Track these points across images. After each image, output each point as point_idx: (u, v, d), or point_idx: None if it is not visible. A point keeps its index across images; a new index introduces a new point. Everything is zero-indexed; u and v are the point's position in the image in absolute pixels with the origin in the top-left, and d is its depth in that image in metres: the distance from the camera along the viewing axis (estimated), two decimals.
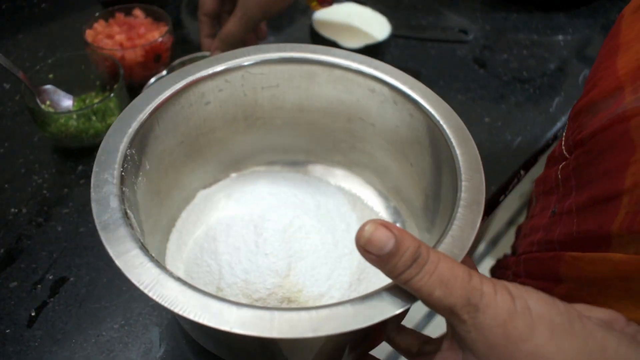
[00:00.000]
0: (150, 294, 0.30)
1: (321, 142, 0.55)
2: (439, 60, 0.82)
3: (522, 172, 0.65)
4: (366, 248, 0.28)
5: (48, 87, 0.63)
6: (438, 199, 0.43)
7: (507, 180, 0.63)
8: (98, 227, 0.33)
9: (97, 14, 0.72)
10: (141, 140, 0.42)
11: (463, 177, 0.37)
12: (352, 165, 0.56)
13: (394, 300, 0.30)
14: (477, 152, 0.39)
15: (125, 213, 0.34)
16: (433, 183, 0.44)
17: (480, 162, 0.38)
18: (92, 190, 0.35)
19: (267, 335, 0.28)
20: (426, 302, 0.28)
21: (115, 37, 0.69)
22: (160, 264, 0.32)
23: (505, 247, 1.60)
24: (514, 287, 0.27)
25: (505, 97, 0.75)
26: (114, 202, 0.35)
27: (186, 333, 0.48)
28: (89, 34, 0.70)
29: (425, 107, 0.43)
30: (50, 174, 0.61)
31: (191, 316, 0.29)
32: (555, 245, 0.45)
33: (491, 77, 0.79)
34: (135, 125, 0.41)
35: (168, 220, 0.49)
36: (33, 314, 0.49)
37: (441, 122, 0.42)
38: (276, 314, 0.29)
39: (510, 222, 1.72)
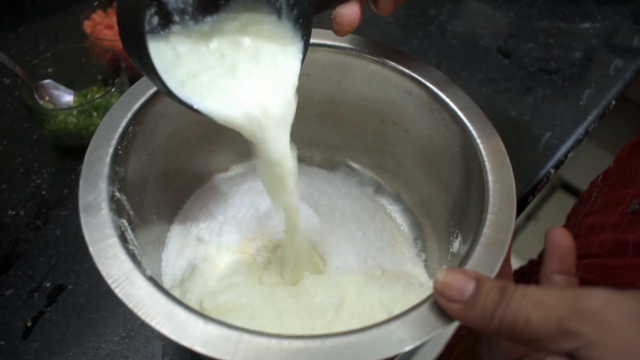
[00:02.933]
0: (115, 290, 0.28)
1: (350, 141, 0.52)
2: (460, 50, 0.77)
3: (552, 170, 0.61)
4: (445, 293, 0.26)
5: (47, 82, 0.60)
6: (463, 223, 0.39)
7: (537, 181, 0.59)
8: (80, 208, 0.31)
9: (95, 4, 0.68)
10: (148, 117, 0.39)
11: (490, 209, 0.33)
12: (379, 169, 0.52)
13: (383, 344, 0.26)
14: (513, 182, 0.34)
15: (113, 196, 0.32)
16: (460, 206, 0.40)
17: (515, 195, 0.34)
18: (83, 166, 0.33)
19: (210, 354, 0.25)
20: (528, 336, 0.23)
21: (115, 27, 0.65)
22: (135, 259, 0.29)
23: (523, 242, 1.55)
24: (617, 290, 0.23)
25: (532, 89, 0.71)
26: (103, 183, 0.32)
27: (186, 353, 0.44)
28: (87, 25, 0.66)
29: (463, 121, 0.39)
30: (49, 174, 0.58)
31: (153, 323, 0.26)
32: (629, 247, 0.40)
33: (516, 68, 0.74)
34: (142, 100, 0.38)
35: (175, 202, 0.47)
36: (29, 324, 0.46)
37: (478, 140, 0.37)
38: (245, 337, 0.26)
39: (529, 216, 1.67)
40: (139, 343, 0.45)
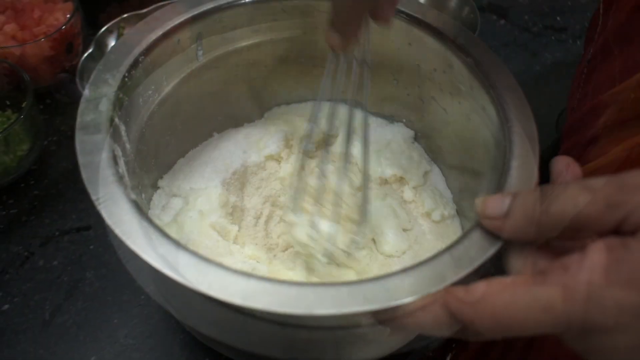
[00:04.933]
0: (99, 207, 0.29)
1: (385, 111, 0.51)
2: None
3: None
4: (486, 212, 0.28)
5: None
6: None
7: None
8: (77, 126, 0.32)
9: None
10: (163, 49, 0.40)
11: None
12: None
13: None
14: (535, 175, 0.33)
15: (112, 121, 0.34)
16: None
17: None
18: (87, 88, 0.35)
19: (176, 277, 0.26)
20: (578, 221, 0.24)
21: (4, 28, 0.54)
22: (124, 183, 0.31)
23: None
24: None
25: (537, 55, 0.64)
26: (104, 106, 0.34)
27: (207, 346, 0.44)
28: None
29: (498, 103, 0.37)
30: None
31: (128, 242, 0.28)
32: None
33: (516, 29, 0.67)
34: (160, 31, 0.39)
35: (176, 151, 0.47)
36: (47, 317, 0.45)
37: (510, 124, 0.36)
38: (212, 268, 0.28)
39: None
40: (159, 337, 0.44)
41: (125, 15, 0.59)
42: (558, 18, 0.66)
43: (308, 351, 0.36)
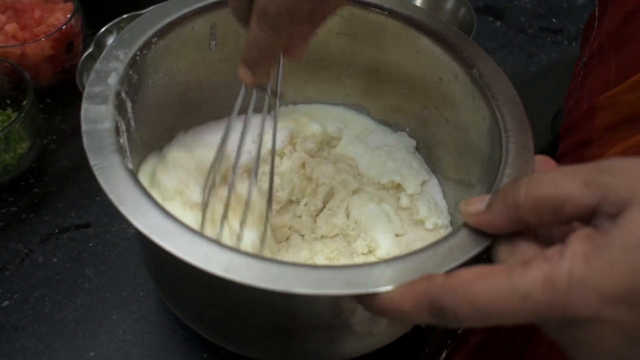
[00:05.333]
0: (97, 174, 0.30)
1: (390, 119, 0.51)
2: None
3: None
4: (469, 210, 0.29)
5: None
6: None
7: None
8: (84, 95, 0.33)
9: None
10: (177, 35, 0.41)
11: None
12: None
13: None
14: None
15: (118, 94, 0.35)
16: None
17: None
18: (98, 61, 0.36)
19: (163, 244, 0.27)
20: (558, 199, 0.25)
21: (5, 28, 0.55)
22: (124, 153, 0.32)
23: None
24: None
25: (533, 57, 0.65)
26: (113, 80, 0.35)
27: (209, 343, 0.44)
28: None
29: (496, 114, 0.38)
30: None
31: (117, 204, 0.29)
32: None
33: (512, 31, 0.68)
34: (175, 16, 0.40)
35: (183, 126, 0.47)
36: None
37: (505, 134, 0.36)
38: (198, 238, 0.29)
39: None
40: (158, 333, 0.45)
41: (125, 16, 0.60)
42: (554, 20, 0.67)
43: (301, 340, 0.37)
